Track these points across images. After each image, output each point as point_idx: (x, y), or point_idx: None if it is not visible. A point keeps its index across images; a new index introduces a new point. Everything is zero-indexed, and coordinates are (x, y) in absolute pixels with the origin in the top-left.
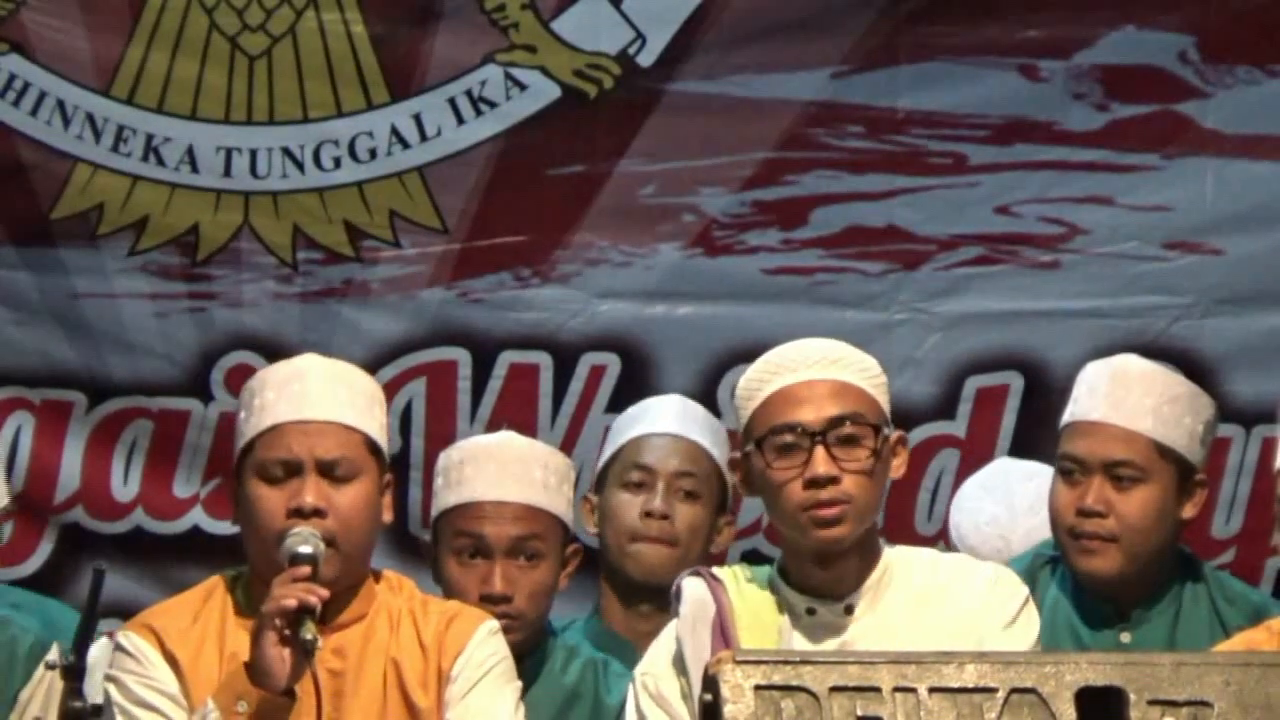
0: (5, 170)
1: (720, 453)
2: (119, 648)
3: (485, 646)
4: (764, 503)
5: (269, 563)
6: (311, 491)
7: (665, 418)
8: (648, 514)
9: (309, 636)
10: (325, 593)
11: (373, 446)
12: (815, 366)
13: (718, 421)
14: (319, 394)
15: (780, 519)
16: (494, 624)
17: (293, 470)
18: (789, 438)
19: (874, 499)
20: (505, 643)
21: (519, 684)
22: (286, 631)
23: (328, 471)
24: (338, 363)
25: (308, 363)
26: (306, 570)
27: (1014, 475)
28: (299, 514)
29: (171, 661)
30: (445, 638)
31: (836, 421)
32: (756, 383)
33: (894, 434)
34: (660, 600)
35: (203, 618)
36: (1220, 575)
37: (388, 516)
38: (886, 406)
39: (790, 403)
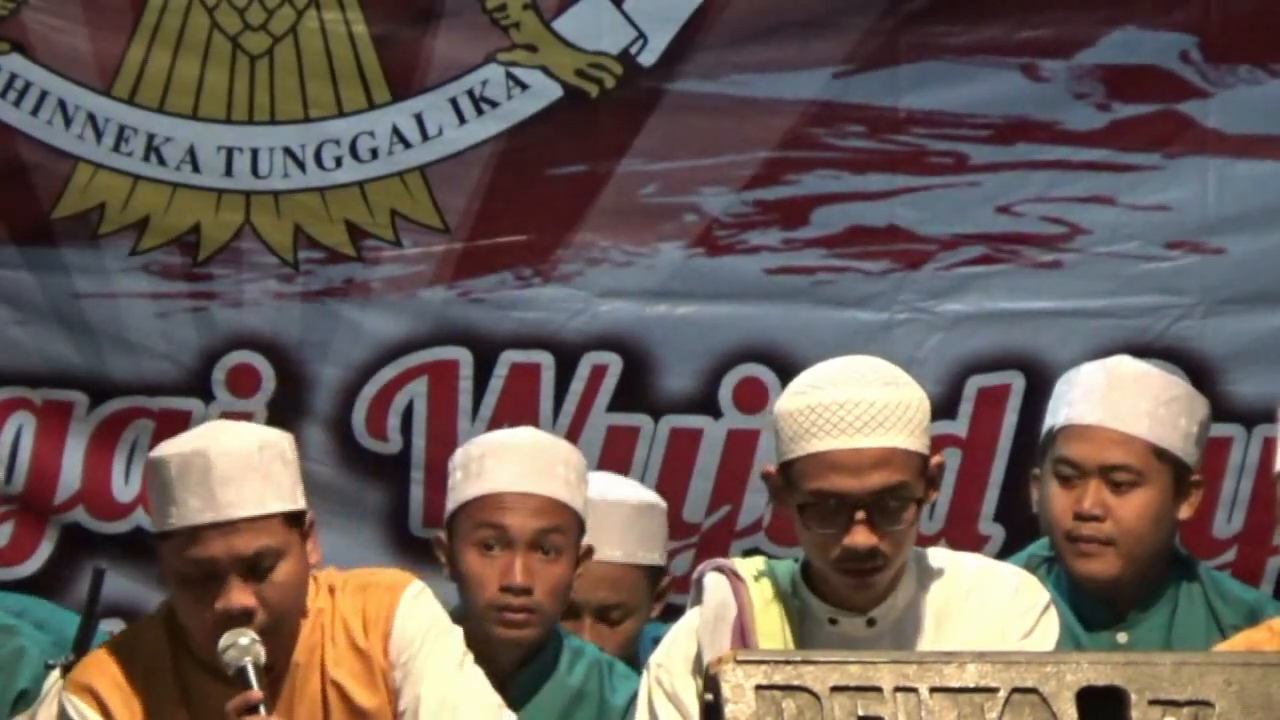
0: (6, 170)
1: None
2: (63, 712)
3: (411, 621)
4: (797, 531)
5: (207, 648)
6: (236, 594)
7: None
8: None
9: None
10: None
11: (290, 517)
12: (864, 429)
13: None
14: (225, 485)
15: (816, 561)
16: (413, 589)
17: (214, 573)
18: (831, 504)
19: (909, 547)
20: (430, 600)
21: (457, 631)
22: None
23: (252, 568)
24: (237, 437)
25: (209, 446)
26: (257, 696)
27: None
28: (228, 617)
29: None
30: (369, 626)
31: (880, 495)
32: (801, 428)
33: (934, 462)
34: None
35: (143, 670)
36: (1215, 575)
37: (315, 558)
38: (927, 436)
39: (835, 470)
